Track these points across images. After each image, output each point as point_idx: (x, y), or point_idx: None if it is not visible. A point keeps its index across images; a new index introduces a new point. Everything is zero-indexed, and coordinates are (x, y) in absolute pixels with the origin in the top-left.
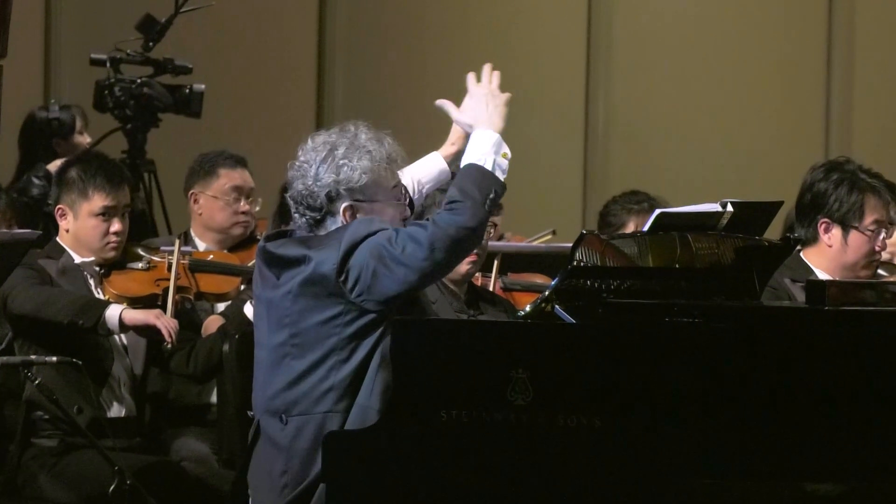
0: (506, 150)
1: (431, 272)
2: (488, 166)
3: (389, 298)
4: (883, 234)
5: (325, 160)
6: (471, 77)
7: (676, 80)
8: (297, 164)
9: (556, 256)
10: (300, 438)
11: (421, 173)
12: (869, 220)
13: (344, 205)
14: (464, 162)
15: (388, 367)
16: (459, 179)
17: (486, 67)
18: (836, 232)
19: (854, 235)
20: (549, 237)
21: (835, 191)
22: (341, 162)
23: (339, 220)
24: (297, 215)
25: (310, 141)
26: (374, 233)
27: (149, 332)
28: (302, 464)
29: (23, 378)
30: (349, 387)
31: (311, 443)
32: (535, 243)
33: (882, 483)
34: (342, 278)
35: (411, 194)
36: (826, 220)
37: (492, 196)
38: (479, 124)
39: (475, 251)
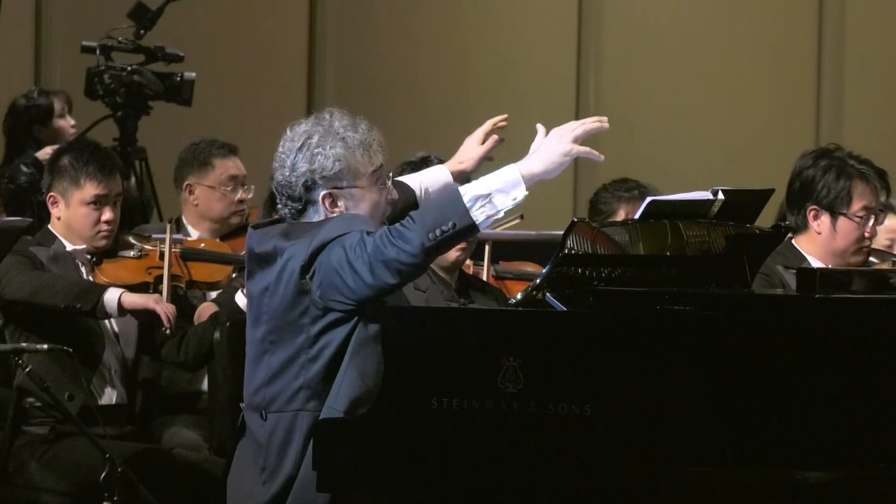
0: (518, 193)
1: (379, 287)
2: (467, 197)
3: (343, 303)
4: (872, 221)
5: (300, 149)
6: (567, 125)
7: (667, 69)
8: (277, 154)
9: (547, 244)
10: (275, 435)
11: (428, 181)
12: (857, 206)
13: (322, 193)
14: (466, 185)
15: (357, 368)
16: (434, 198)
17: (589, 119)
18: (825, 219)
19: (842, 222)
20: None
21: (823, 177)
22: (316, 150)
23: (321, 208)
24: (279, 205)
25: (288, 131)
26: (347, 234)
27: (147, 317)
28: (277, 459)
29: (13, 365)
30: (319, 386)
31: (283, 440)
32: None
33: (872, 471)
34: (309, 275)
35: (419, 199)
36: (815, 207)
37: (445, 228)
38: (522, 160)
39: None
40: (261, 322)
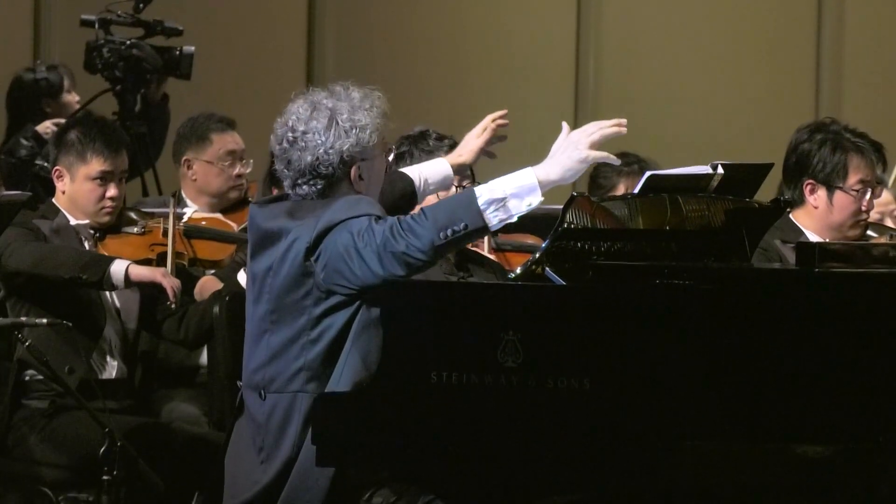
0: (533, 199)
1: (385, 277)
2: (482, 200)
3: (347, 288)
4: (869, 194)
5: (328, 127)
6: (587, 127)
7: (666, 45)
8: (293, 136)
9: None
10: (274, 415)
11: (428, 172)
12: (853, 179)
13: (356, 166)
14: (482, 185)
15: (359, 352)
16: (450, 196)
17: (606, 122)
18: (822, 193)
19: (839, 196)
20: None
21: (818, 151)
22: (349, 125)
23: (347, 183)
24: (304, 186)
25: (303, 111)
26: (354, 217)
27: (152, 290)
28: (275, 440)
29: (14, 339)
30: (319, 368)
31: (282, 421)
32: None
33: (870, 445)
34: (314, 258)
35: (417, 189)
36: (811, 181)
37: (456, 228)
38: (541, 164)
39: None
40: (262, 301)
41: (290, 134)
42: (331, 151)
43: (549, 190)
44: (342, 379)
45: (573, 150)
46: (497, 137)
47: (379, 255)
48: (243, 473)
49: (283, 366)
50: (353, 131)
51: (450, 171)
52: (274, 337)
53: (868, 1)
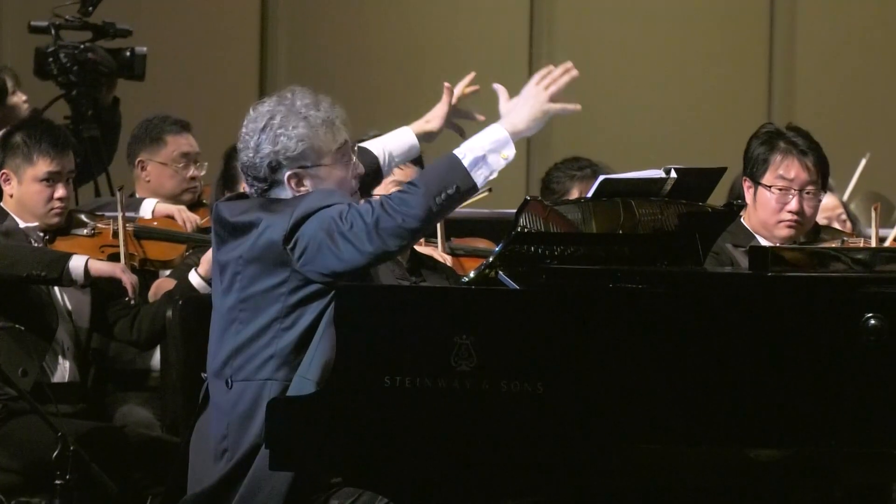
0: (508, 152)
1: (376, 255)
2: (467, 160)
3: (332, 273)
4: (792, 196)
5: (262, 130)
6: (536, 78)
7: (619, 47)
8: (241, 134)
9: (499, 222)
10: (240, 403)
11: (392, 145)
12: (770, 175)
13: (287, 174)
14: (459, 148)
15: (330, 339)
16: (432, 164)
17: (556, 70)
18: (751, 190)
19: (761, 191)
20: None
21: (752, 146)
22: (278, 131)
23: (287, 188)
24: (247, 185)
25: (252, 111)
26: (329, 206)
27: (110, 286)
28: (240, 428)
29: None
30: (290, 355)
31: (248, 408)
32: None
33: (823, 449)
34: (290, 246)
35: (381, 164)
36: (746, 177)
37: (450, 192)
38: (503, 118)
39: None
40: (232, 290)
41: (241, 131)
42: (259, 155)
43: (502, 193)
44: (312, 364)
45: (534, 101)
46: (466, 113)
47: (369, 234)
48: (206, 464)
49: (253, 353)
50: (281, 139)
51: (415, 141)
52: (244, 326)
53: (820, 5)
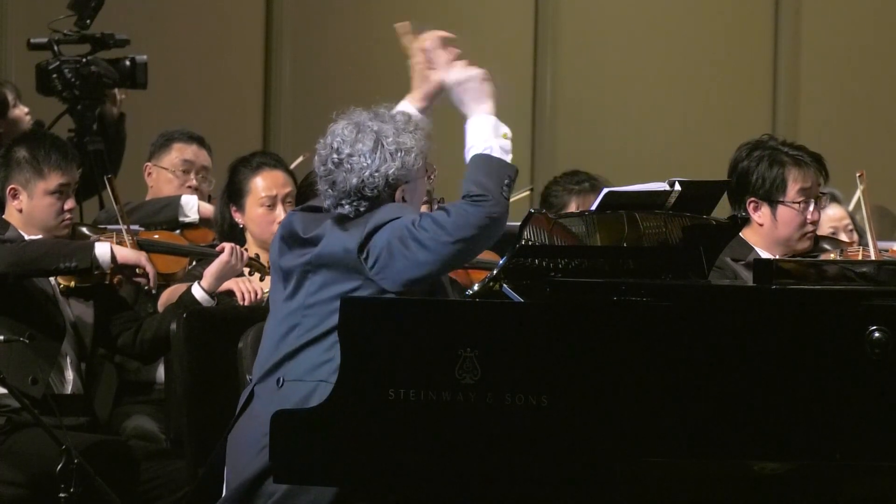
0: (505, 129)
1: (453, 258)
2: (495, 153)
3: (407, 281)
4: (812, 206)
5: (374, 150)
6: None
7: (624, 60)
8: (338, 157)
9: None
10: (288, 400)
11: None
12: (793, 191)
13: (404, 188)
14: (469, 152)
15: None
16: (472, 172)
17: (429, 42)
18: (765, 209)
19: (782, 210)
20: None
21: (756, 168)
22: (394, 148)
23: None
24: (346, 206)
25: (345, 131)
26: (401, 217)
27: (132, 274)
28: None
29: None
30: None
31: (297, 405)
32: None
33: (828, 462)
34: (363, 256)
35: None
36: (753, 199)
37: (507, 182)
38: (470, 112)
39: None
40: (297, 296)
41: (334, 156)
42: (377, 175)
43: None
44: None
45: (472, 82)
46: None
47: (450, 234)
48: (247, 458)
49: (310, 356)
50: (399, 154)
51: (416, 114)
52: (305, 330)
53: (824, 18)
